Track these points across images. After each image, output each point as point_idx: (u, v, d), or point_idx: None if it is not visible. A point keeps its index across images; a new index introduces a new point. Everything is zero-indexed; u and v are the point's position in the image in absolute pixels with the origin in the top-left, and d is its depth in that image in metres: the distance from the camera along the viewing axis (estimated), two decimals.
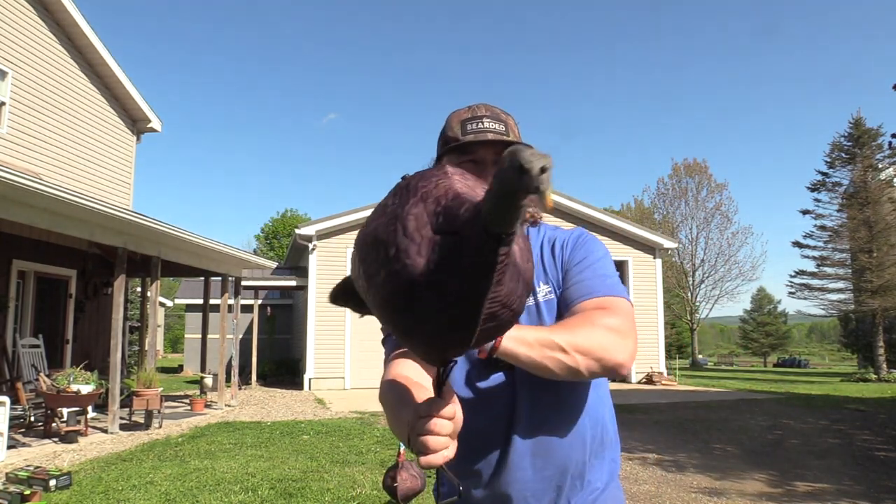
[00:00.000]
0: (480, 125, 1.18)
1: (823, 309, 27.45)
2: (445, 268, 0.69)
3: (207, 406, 10.41)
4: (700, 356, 43.68)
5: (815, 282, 27.27)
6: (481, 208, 0.67)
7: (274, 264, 14.34)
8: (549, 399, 1.14)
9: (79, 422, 7.27)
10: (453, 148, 1.19)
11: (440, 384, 0.87)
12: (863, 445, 7.69)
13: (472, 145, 1.17)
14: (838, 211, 26.07)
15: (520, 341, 0.96)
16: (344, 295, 1.03)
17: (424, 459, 0.76)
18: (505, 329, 0.79)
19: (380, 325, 1.19)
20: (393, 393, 1.02)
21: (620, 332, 1.02)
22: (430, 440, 0.76)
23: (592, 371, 1.00)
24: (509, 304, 0.74)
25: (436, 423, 0.77)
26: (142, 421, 8.29)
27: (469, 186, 0.77)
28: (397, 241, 0.72)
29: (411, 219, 0.73)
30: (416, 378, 1.06)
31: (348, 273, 0.87)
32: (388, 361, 1.16)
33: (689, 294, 38.91)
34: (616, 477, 1.25)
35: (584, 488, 1.18)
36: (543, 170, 0.58)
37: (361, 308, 0.96)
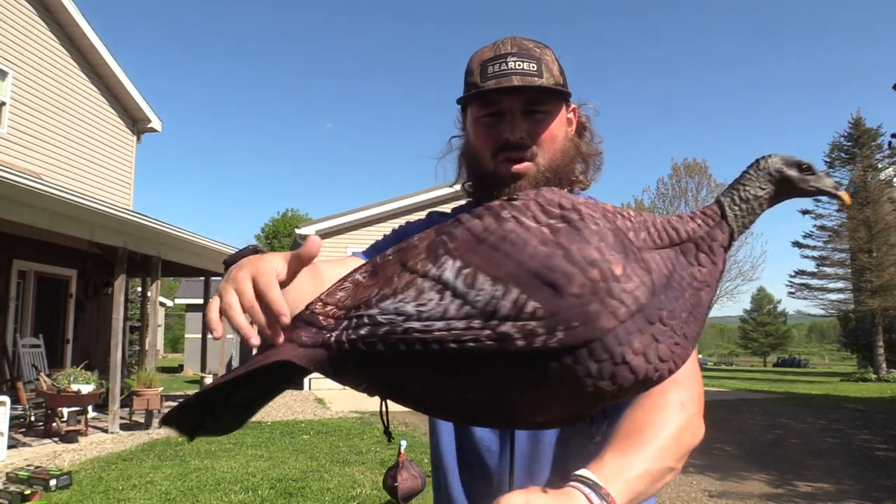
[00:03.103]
0: (504, 66, 0.94)
1: (823, 309, 27.47)
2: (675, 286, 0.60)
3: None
4: (700, 356, 43.55)
5: (814, 282, 27.32)
6: (724, 203, 0.66)
7: None
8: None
9: (79, 421, 7.27)
10: (474, 96, 0.97)
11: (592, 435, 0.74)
12: (862, 445, 7.69)
13: (495, 93, 0.95)
14: (838, 211, 26.07)
15: (639, 482, 0.68)
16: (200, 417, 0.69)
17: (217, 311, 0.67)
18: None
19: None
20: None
21: (697, 403, 0.79)
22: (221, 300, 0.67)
23: None
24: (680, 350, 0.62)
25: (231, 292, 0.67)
26: (142, 421, 8.29)
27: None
28: (606, 259, 0.58)
29: (613, 232, 0.61)
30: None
31: None
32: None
33: None
34: None
35: None
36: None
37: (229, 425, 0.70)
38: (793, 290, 27.96)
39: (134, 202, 12.66)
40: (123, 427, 8.04)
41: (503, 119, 0.95)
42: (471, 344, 0.57)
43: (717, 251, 0.65)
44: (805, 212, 27.05)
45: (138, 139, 13.03)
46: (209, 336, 12.31)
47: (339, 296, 0.66)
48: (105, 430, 7.76)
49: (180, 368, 23.44)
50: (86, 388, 7.25)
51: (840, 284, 26.52)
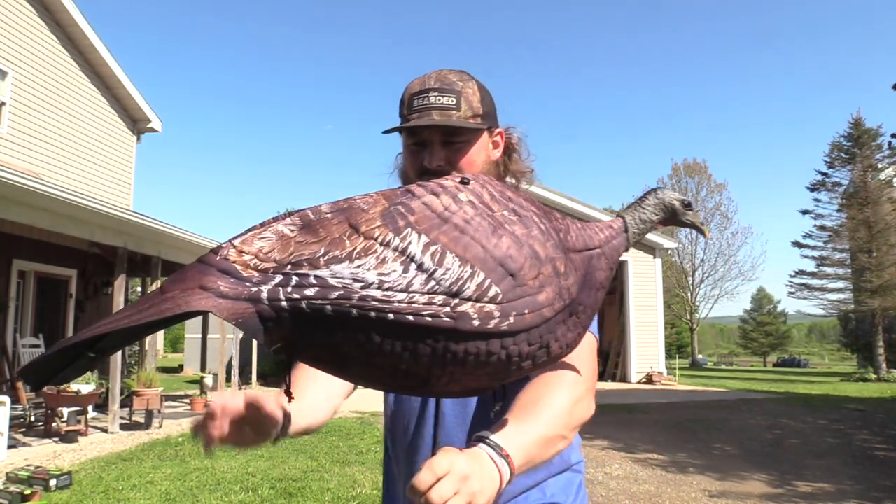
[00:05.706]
0: (426, 101, 1.02)
1: (823, 309, 27.48)
2: (591, 285, 0.72)
3: (208, 406, 10.40)
4: (700, 356, 43.70)
5: (814, 282, 27.32)
6: (626, 220, 0.81)
7: None
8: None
9: (79, 421, 7.27)
10: (401, 127, 1.06)
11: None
12: (862, 445, 7.69)
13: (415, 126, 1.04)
14: (838, 211, 26.09)
15: (533, 446, 0.76)
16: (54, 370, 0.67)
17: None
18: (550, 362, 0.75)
19: None
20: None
21: (588, 381, 0.90)
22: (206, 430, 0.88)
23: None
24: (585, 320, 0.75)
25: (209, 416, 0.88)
26: (142, 421, 8.29)
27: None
28: (552, 257, 0.69)
29: (555, 231, 0.72)
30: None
31: None
32: None
33: (689, 294, 38.92)
34: (574, 486, 1.08)
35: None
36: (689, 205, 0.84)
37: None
38: (793, 290, 27.97)
39: (134, 202, 12.66)
40: (123, 427, 8.04)
41: (425, 148, 1.05)
42: (428, 318, 0.60)
43: (613, 259, 0.78)
44: (805, 212, 27.06)
45: (138, 139, 13.03)
46: (209, 336, 12.33)
47: (260, 245, 0.64)
48: (105, 430, 7.76)
49: (180, 368, 23.44)
50: (86, 388, 7.25)
51: (840, 284, 26.53)
